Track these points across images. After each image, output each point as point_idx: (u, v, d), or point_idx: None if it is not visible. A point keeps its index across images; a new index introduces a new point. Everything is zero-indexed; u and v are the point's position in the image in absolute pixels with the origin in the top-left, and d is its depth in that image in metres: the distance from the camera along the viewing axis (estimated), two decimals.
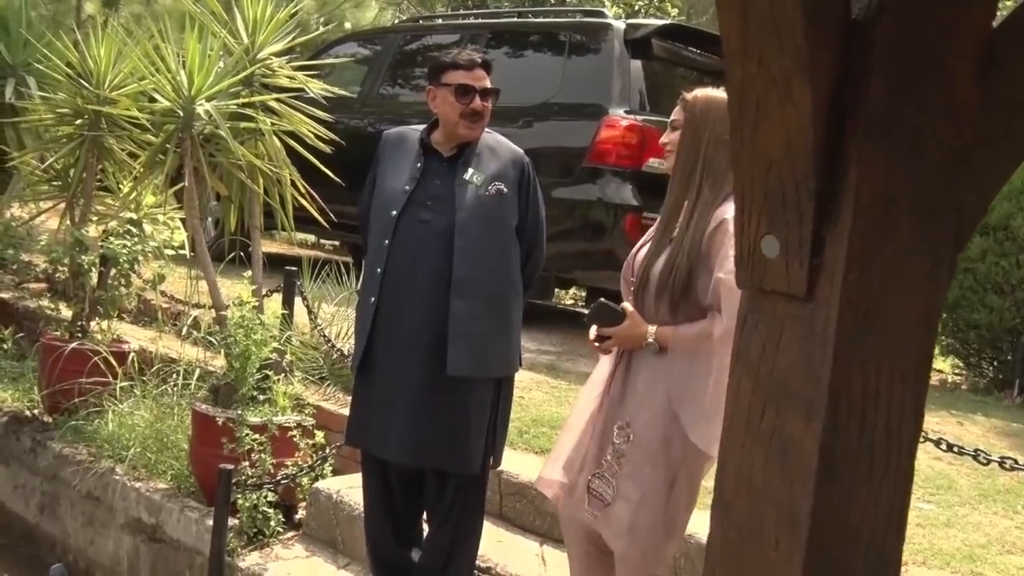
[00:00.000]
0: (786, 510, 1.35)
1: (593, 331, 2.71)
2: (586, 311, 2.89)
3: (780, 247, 1.33)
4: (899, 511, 1.38)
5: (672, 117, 2.70)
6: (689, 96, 2.65)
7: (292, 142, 4.53)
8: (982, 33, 1.27)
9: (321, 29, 8.14)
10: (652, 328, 2.60)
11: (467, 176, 3.08)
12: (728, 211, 2.52)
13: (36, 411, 5.26)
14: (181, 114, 4.27)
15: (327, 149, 4.48)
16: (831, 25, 1.22)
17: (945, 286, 1.37)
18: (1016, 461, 3.23)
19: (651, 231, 2.75)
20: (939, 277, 1.34)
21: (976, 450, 3.16)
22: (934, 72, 1.24)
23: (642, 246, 2.74)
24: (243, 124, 4.39)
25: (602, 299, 2.73)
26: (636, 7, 11.07)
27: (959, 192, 1.31)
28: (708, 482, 3.67)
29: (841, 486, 1.33)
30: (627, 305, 2.67)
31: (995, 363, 7.17)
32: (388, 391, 3.07)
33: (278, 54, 4.57)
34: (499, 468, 3.46)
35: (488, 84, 3.09)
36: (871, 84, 1.23)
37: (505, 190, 3.10)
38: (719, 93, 2.62)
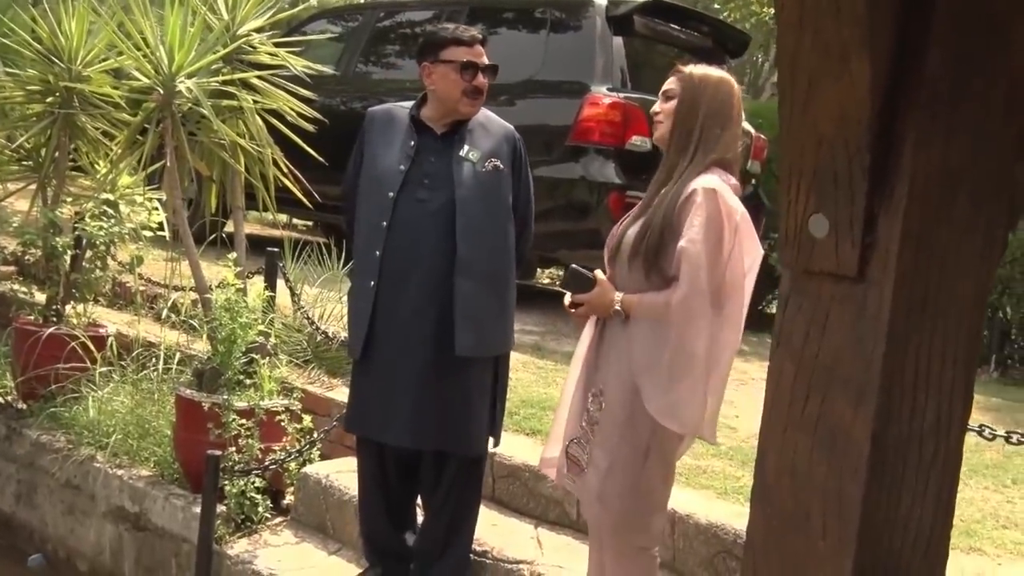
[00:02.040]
0: (834, 499, 1.31)
1: (568, 298, 2.70)
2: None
3: (829, 226, 1.28)
4: (947, 499, 1.35)
5: (665, 87, 2.69)
6: (686, 69, 2.66)
7: (273, 120, 4.43)
8: None
9: (287, 7, 7.95)
10: (619, 296, 2.58)
11: (463, 153, 3.01)
12: (700, 181, 2.51)
13: (10, 398, 5.12)
14: (161, 91, 4.14)
15: (309, 127, 4.38)
16: None
17: (996, 265, 1.33)
18: (1023, 435, 3.25)
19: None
20: (991, 256, 1.30)
21: (981, 425, 3.17)
22: (996, 43, 1.19)
23: (627, 217, 2.71)
24: (224, 102, 4.27)
25: (573, 265, 2.70)
26: None
27: (1017, 167, 1.26)
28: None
29: (892, 474, 1.29)
30: (599, 272, 2.66)
31: None
32: (391, 375, 3.01)
33: (257, 31, 4.45)
34: (492, 450, 3.42)
35: (487, 60, 3.02)
36: (931, 55, 1.18)
37: (501, 166, 3.05)
38: (713, 70, 2.67)
